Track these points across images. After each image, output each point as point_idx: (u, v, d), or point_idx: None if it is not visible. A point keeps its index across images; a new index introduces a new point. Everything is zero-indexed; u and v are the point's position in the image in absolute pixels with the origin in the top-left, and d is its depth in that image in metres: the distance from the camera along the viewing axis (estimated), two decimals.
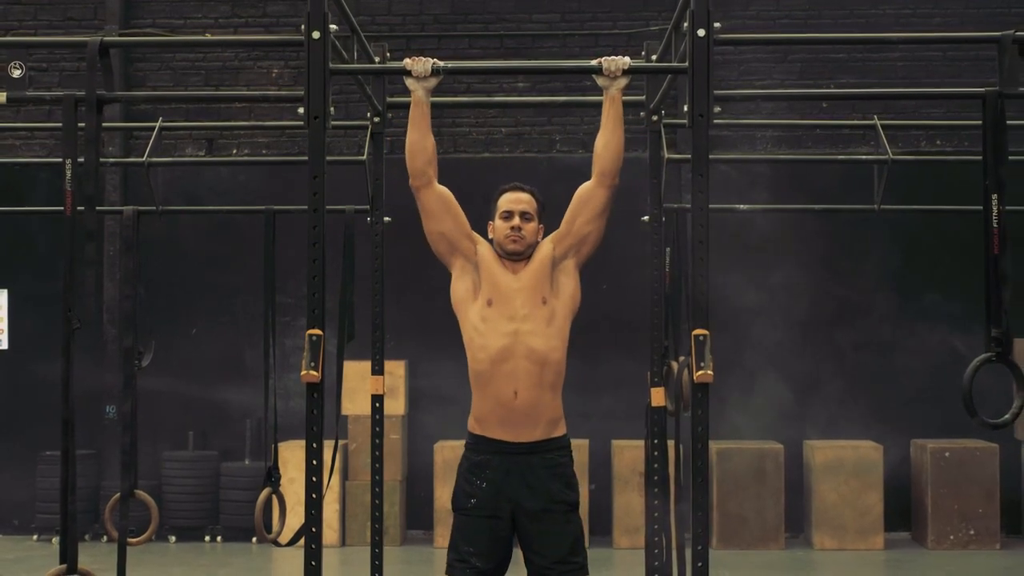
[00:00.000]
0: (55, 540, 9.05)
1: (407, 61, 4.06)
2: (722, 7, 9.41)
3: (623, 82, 4.08)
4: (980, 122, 4.06)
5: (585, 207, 4.31)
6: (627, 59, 4.02)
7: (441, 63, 4.05)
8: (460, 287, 4.33)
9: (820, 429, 9.26)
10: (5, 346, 9.65)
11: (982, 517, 8.71)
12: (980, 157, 4.02)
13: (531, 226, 4.33)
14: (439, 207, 4.29)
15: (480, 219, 4.36)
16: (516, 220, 4.30)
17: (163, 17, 9.84)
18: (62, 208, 4.11)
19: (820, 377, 9.36)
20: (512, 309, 4.23)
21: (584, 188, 4.33)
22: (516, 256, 4.31)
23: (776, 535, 8.76)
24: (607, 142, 4.21)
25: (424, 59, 4.08)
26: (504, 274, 4.29)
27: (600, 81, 4.09)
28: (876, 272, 9.49)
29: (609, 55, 4.08)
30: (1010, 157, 3.97)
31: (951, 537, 8.72)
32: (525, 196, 4.37)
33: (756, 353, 9.27)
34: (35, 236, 9.39)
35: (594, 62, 4.05)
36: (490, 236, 4.39)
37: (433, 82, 4.10)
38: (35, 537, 9.26)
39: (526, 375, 4.18)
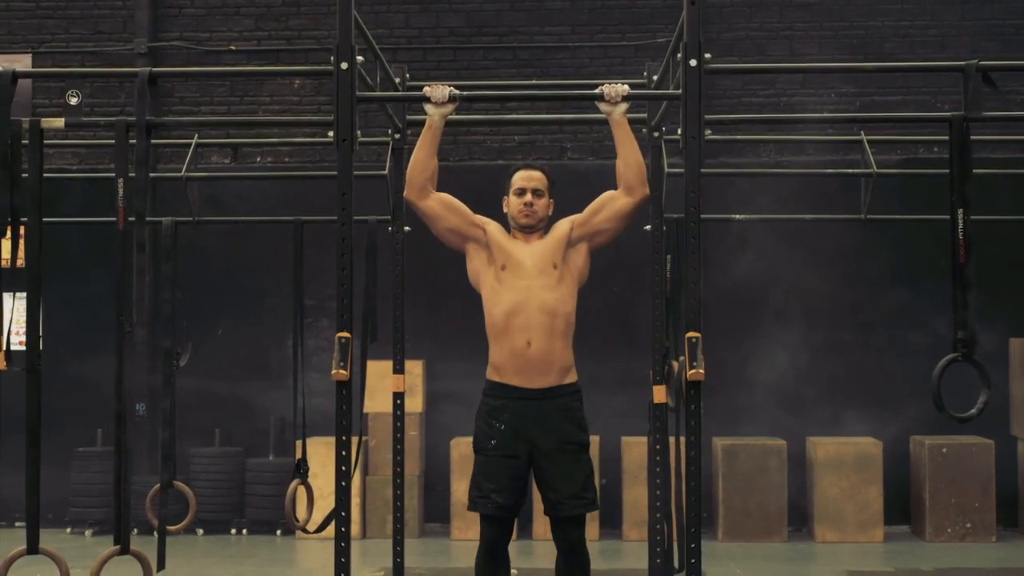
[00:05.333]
0: (88, 532, 9.43)
1: (426, 89, 4.41)
2: (726, 20, 9.83)
3: (624, 107, 4.45)
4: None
5: (607, 207, 4.70)
6: (626, 87, 4.39)
7: (458, 91, 4.41)
8: (476, 261, 4.73)
9: (822, 426, 9.48)
10: None
11: (978, 511, 8.92)
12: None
13: (542, 201, 4.76)
14: (441, 208, 4.69)
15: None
16: (528, 196, 4.73)
17: (190, 30, 10.18)
18: (99, 218, 4.44)
19: (821, 376, 9.58)
20: (524, 271, 4.62)
21: (612, 193, 4.72)
22: (529, 229, 4.73)
23: (779, 528, 9.00)
24: (626, 163, 4.61)
25: (442, 86, 4.43)
26: (517, 244, 4.70)
27: (602, 107, 4.46)
28: (876, 272, 9.68)
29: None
30: (1004, 171, 4.29)
31: (948, 530, 8.94)
32: (537, 174, 4.80)
33: (760, 353, 9.51)
34: (67, 241, 9.66)
35: (596, 90, 4.42)
36: (505, 210, 4.81)
37: (450, 108, 4.45)
38: (68, 530, 9.58)
39: (539, 326, 4.54)
